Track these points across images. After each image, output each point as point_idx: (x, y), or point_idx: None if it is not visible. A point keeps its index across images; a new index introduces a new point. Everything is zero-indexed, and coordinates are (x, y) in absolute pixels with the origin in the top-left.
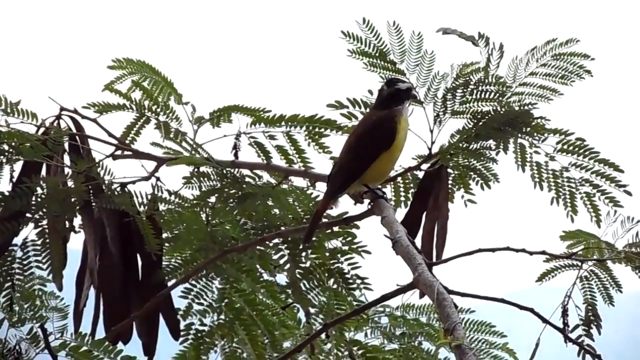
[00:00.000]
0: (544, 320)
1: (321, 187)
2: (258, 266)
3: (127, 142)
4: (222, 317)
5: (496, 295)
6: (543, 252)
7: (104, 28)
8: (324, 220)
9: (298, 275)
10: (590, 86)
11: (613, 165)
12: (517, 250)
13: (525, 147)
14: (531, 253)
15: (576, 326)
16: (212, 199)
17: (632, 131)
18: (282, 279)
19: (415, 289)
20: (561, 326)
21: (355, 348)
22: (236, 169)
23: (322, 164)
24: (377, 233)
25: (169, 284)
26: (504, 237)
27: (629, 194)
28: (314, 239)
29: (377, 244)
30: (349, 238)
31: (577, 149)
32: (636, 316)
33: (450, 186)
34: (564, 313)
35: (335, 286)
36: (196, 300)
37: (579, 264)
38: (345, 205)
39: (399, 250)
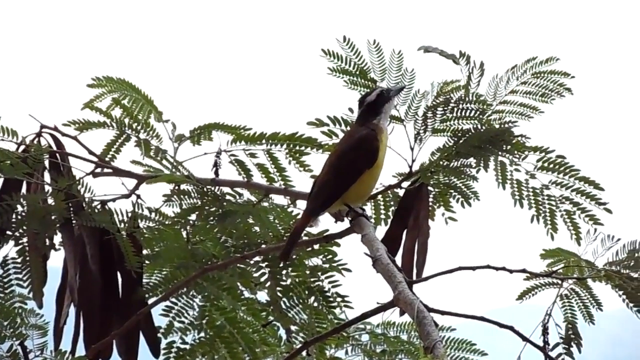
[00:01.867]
0: (524, 339)
1: (302, 205)
2: (239, 284)
3: (107, 159)
4: (203, 334)
5: (477, 313)
6: (523, 271)
7: (85, 46)
8: (305, 238)
9: (279, 293)
10: (571, 104)
11: (593, 183)
12: (497, 269)
13: (505, 165)
14: (511, 271)
15: (556, 344)
16: (193, 217)
17: (613, 148)
18: (263, 296)
19: (395, 307)
20: (541, 344)
21: None
22: (217, 187)
23: (303, 182)
24: (357, 251)
25: (149, 301)
26: (484, 255)
27: (609, 211)
28: (294, 256)
29: (358, 262)
30: (330, 256)
31: (557, 166)
32: (616, 336)
33: (430, 204)
34: (544, 331)
35: (315, 304)
36: (177, 319)
37: (559, 282)
38: (326, 223)
39: (380, 268)
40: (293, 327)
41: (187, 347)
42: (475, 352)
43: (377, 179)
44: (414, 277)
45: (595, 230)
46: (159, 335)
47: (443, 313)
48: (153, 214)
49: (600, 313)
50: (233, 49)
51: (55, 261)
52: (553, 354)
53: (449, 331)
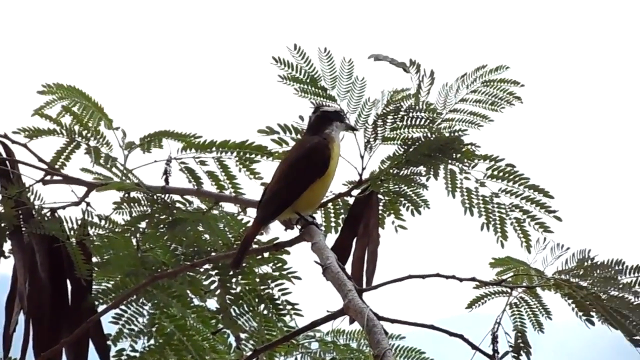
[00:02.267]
0: (474, 347)
1: (252, 213)
2: (189, 292)
3: (57, 167)
4: (153, 342)
5: (426, 322)
6: (473, 279)
7: (34, 52)
8: (255, 246)
9: (228, 301)
10: (521, 112)
11: (543, 191)
12: (447, 277)
13: (455, 173)
14: (461, 279)
15: (505, 353)
16: (143, 225)
17: (563, 157)
18: (213, 304)
19: (345, 315)
20: (491, 353)
21: None
22: (167, 195)
23: (253, 190)
24: (307, 259)
25: (99, 309)
26: (434, 263)
27: (559, 219)
28: (243, 264)
29: (308, 270)
30: (279, 264)
31: (507, 174)
32: (564, 343)
33: (380, 212)
34: (494, 340)
35: (265, 312)
36: (127, 326)
37: (509, 290)
38: (276, 231)
39: (329, 276)
40: (243, 335)
41: (137, 354)
42: None
43: (328, 187)
44: (364, 285)
45: (545, 239)
46: (109, 342)
47: (393, 321)
48: (103, 222)
49: (550, 322)
50: (184, 55)
51: (5, 268)
52: None
53: (398, 339)
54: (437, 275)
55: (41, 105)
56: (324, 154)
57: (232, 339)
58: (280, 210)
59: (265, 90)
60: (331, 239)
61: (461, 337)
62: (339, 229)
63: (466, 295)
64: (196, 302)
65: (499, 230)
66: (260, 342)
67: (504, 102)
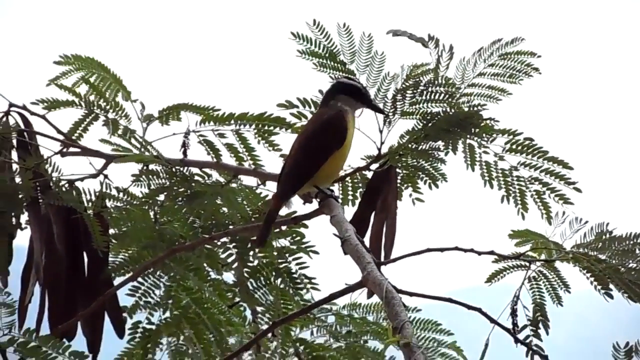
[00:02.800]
0: (492, 321)
1: (271, 186)
2: (205, 265)
3: (74, 138)
4: (169, 314)
5: (444, 293)
6: (491, 252)
7: (54, 24)
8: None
9: (246, 275)
10: (539, 84)
11: (562, 162)
12: (465, 250)
13: (474, 148)
14: (479, 253)
15: (524, 326)
16: (161, 197)
17: (582, 130)
18: (229, 277)
19: (363, 287)
20: (509, 326)
21: (301, 347)
22: (185, 167)
23: (273, 162)
24: (326, 232)
25: (115, 281)
26: (453, 237)
27: (579, 190)
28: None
29: (326, 244)
30: (298, 238)
31: (525, 148)
32: (582, 315)
33: (398, 185)
34: (513, 314)
35: (282, 286)
36: (143, 299)
37: (527, 264)
38: (294, 204)
39: (348, 249)
40: (259, 309)
41: (153, 327)
42: (441, 332)
43: (346, 159)
44: (382, 259)
45: (564, 212)
46: (125, 315)
47: (411, 294)
48: (121, 194)
49: (568, 294)
50: (203, 29)
51: (21, 240)
52: (521, 336)
53: (415, 312)
54: (456, 248)
55: (57, 75)
56: (342, 125)
57: (248, 313)
58: (301, 184)
59: (284, 65)
60: (349, 212)
61: (479, 310)
62: (357, 202)
63: (484, 268)
64: (213, 275)
65: (519, 202)
66: (276, 316)
67: (522, 74)
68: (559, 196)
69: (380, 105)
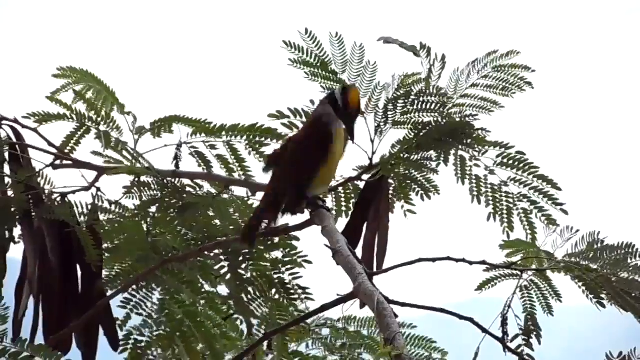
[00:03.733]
0: (484, 330)
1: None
2: (199, 277)
3: (66, 151)
4: (162, 328)
5: (436, 306)
6: (483, 262)
7: (45, 35)
8: (264, 230)
9: (239, 287)
10: (531, 98)
11: (551, 182)
12: (457, 260)
13: (465, 160)
14: (471, 263)
15: (516, 336)
16: (153, 209)
17: (570, 139)
18: (224, 290)
19: (355, 298)
20: (501, 336)
21: (296, 359)
22: (177, 179)
23: (262, 173)
24: (317, 242)
25: (108, 293)
26: (444, 248)
27: (565, 212)
28: (254, 250)
29: (318, 254)
30: (289, 249)
31: (517, 162)
32: (575, 330)
33: (390, 197)
34: (504, 322)
35: (277, 297)
36: (135, 311)
37: (519, 273)
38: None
39: (340, 260)
40: (254, 321)
41: (145, 339)
42: (435, 349)
43: (334, 170)
44: (374, 269)
45: (555, 220)
46: (117, 326)
47: (403, 305)
48: (113, 207)
49: (559, 308)
50: (195, 41)
51: (15, 253)
52: (513, 345)
53: (409, 328)
54: (448, 258)
55: (57, 88)
56: (324, 137)
57: (243, 326)
58: (300, 199)
59: (275, 74)
60: (342, 223)
61: (471, 320)
62: (349, 212)
63: (476, 280)
64: (207, 288)
65: (505, 220)
66: (272, 328)
67: (515, 87)
68: (546, 216)
69: (372, 115)
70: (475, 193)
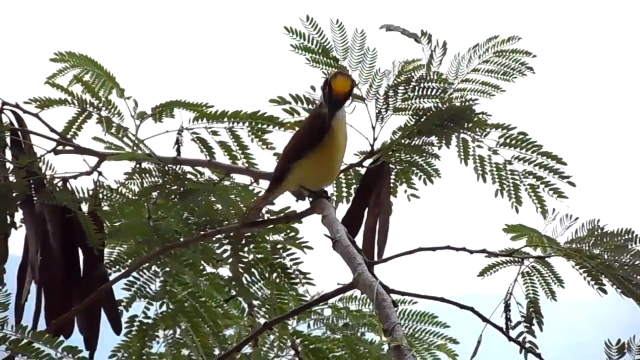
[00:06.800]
0: (484, 320)
1: (264, 185)
2: (201, 259)
3: (68, 136)
4: (165, 308)
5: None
6: (483, 251)
7: (47, 22)
8: (266, 217)
9: (240, 269)
10: (534, 83)
11: (556, 157)
12: (457, 249)
13: (467, 142)
14: (471, 252)
15: (518, 323)
16: (154, 195)
17: (572, 128)
18: (225, 272)
19: (355, 288)
20: (503, 324)
21: (298, 340)
22: (178, 166)
23: (266, 160)
24: (318, 231)
25: (111, 277)
26: (447, 238)
27: (573, 184)
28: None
29: (320, 241)
30: (292, 233)
31: (519, 142)
32: (573, 323)
33: (392, 181)
34: (506, 309)
35: (277, 280)
36: (139, 293)
37: (521, 260)
38: (288, 201)
39: (339, 250)
40: (255, 302)
41: (150, 321)
42: (437, 324)
43: (332, 160)
44: (375, 256)
45: (554, 210)
46: (121, 308)
47: (403, 294)
48: (114, 192)
49: (559, 302)
50: (197, 25)
51: (17, 250)
52: (514, 334)
53: (410, 304)
54: (448, 247)
55: (53, 73)
56: (315, 124)
57: (244, 305)
58: (274, 185)
59: (277, 60)
60: (342, 208)
61: (472, 309)
62: (350, 198)
63: (476, 272)
64: (209, 269)
65: (513, 196)
66: (272, 310)
67: (516, 72)
68: (553, 190)
69: (373, 102)
70: (480, 172)
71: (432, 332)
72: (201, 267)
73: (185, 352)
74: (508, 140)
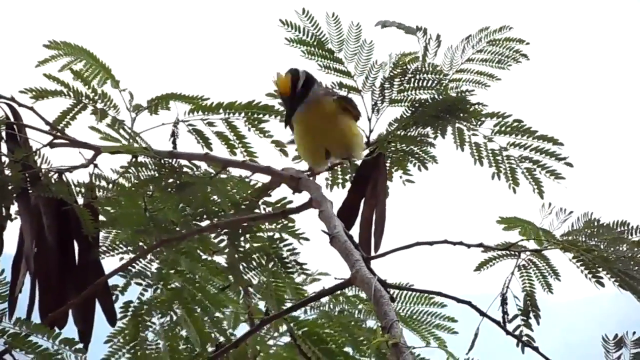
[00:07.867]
0: (482, 313)
1: (260, 177)
2: (197, 248)
3: (61, 126)
4: (160, 294)
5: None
6: (480, 245)
7: (41, 12)
8: (265, 209)
9: (237, 258)
10: (527, 73)
11: (552, 139)
12: (454, 243)
13: (463, 131)
14: (469, 246)
15: (515, 316)
16: (151, 187)
17: (570, 122)
18: (221, 260)
19: (352, 285)
20: (500, 318)
21: (294, 326)
22: (174, 159)
23: (265, 150)
24: (316, 226)
25: (107, 272)
26: (445, 232)
27: (570, 165)
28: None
29: (317, 236)
30: (288, 223)
31: (514, 129)
32: (570, 323)
33: (388, 169)
34: (503, 302)
35: (274, 269)
36: (135, 280)
37: (517, 253)
38: (284, 193)
39: (337, 245)
40: (251, 289)
41: (145, 307)
42: (435, 304)
43: (307, 141)
44: (372, 247)
45: (550, 204)
46: (116, 292)
47: (400, 288)
48: (110, 185)
49: (554, 303)
50: (192, 18)
51: (12, 249)
52: (511, 327)
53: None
54: (445, 241)
55: (45, 58)
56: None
57: (241, 289)
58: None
59: (272, 51)
60: (338, 194)
61: (469, 303)
62: (346, 184)
63: (474, 275)
64: (204, 256)
65: (510, 177)
66: (268, 294)
67: (511, 59)
68: (550, 172)
69: (369, 94)
70: (476, 157)
71: (430, 312)
72: (197, 255)
73: (183, 332)
74: (503, 128)
